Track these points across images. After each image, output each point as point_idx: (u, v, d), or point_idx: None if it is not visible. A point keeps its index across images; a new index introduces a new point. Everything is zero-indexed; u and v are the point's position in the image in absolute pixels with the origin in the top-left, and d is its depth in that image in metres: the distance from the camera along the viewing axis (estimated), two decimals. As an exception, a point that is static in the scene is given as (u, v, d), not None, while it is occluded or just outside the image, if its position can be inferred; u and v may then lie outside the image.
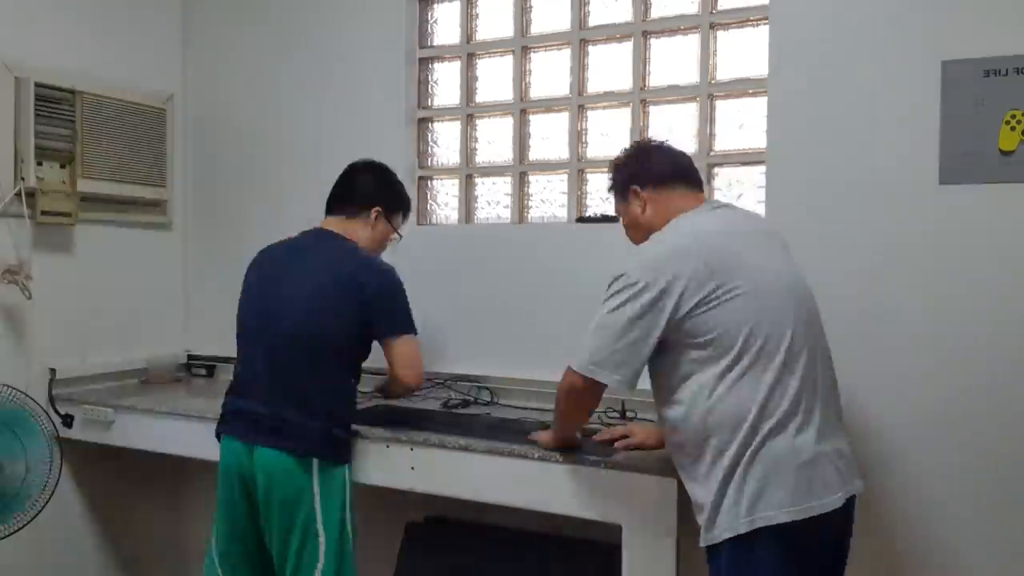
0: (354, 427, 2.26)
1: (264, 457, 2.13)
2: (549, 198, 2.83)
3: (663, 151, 2.00)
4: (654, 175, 1.92)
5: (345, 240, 2.30)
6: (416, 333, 2.27)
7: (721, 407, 1.67)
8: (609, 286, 1.76)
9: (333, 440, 2.16)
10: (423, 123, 3.03)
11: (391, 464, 2.20)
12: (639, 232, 1.93)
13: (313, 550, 2.11)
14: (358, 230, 2.33)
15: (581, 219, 2.70)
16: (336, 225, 2.34)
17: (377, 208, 2.35)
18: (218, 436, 2.26)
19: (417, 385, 2.30)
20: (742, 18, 2.51)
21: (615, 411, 2.43)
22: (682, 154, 2.00)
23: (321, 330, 2.16)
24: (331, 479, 2.15)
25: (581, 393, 1.81)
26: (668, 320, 1.68)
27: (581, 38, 2.73)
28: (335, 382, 2.20)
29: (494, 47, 2.90)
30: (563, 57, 2.78)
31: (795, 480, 1.63)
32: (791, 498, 1.63)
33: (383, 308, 2.21)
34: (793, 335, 1.69)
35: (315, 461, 2.12)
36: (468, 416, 2.49)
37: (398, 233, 2.45)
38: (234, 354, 2.33)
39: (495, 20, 2.90)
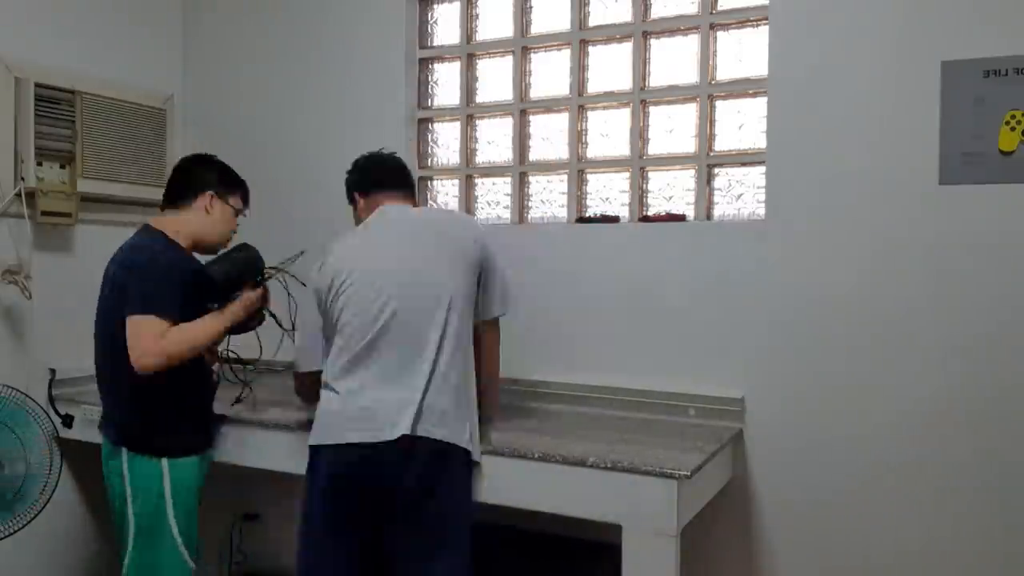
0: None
1: (103, 443, 2.28)
2: (549, 198, 2.83)
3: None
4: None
5: (148, 233, 2.23)
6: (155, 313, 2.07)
7: None
8: None
9: (139, 433, 2.19)
10: (423, 123, 3.03)
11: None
12: None
13: (125, 536, 2.20)
14: (191, 220, 2.27)
15: (581, 219, 2.70)
16: (168, 220, 2.27)
17: (209, 192, 2.28)
18: None
19: (142, 368, 2.05)
20: (742, 18, 2.51)
21: None
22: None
23: (112, 329, 2.14)
24: (142, 470, 2.18)
25: None
26: None
27: (581, 38, 2.73)
28: (138, 378, 2.09)
29: (494, 47, 2.90)
30: (563, 57, 2.78)
31: None
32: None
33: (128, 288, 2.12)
34: None
35: (124, 451, 2.19)
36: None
37: (243, 212, 2.39)
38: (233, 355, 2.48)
39: (495, 20, 2.90)
